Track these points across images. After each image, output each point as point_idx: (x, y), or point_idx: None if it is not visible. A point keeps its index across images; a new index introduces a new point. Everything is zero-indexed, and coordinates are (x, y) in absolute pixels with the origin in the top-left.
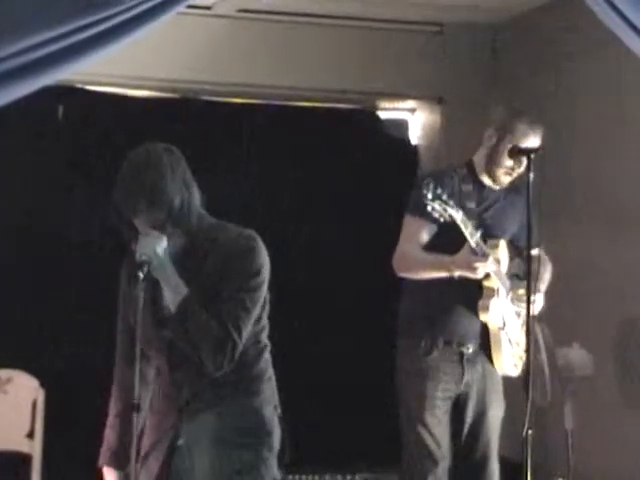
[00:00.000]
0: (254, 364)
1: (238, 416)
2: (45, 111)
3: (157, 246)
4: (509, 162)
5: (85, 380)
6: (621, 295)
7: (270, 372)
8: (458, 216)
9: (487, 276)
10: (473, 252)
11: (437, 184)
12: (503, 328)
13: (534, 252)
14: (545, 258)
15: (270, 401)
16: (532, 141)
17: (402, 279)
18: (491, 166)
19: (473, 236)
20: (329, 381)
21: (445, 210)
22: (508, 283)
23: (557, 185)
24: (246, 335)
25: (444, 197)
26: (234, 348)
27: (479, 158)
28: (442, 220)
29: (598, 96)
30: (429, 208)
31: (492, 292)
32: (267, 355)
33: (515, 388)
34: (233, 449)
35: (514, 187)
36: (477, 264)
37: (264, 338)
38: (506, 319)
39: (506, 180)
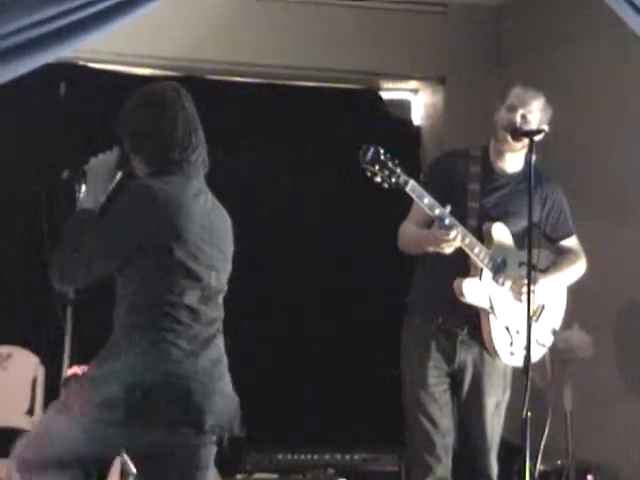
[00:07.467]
0: None
1: None
2: (47, 88)
3: (101, 158)
4: (505, 134)
5: (85, 357)
6: (621, 277)
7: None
8: (407, 184)
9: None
10: (442, 227)
11: (382, 150)
12: (492, 311)
13: (565, 242)
14: (577, 250)
15: None
16: (526, 101)
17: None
18: (496, 144)
19: (434, 208)
20: (330, 361)
21: (389, 177)
22: (492, 264)
23: (557, 167)
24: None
25: (389, 163)
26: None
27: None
28: (386, 186)
29: (601, 76)
30: (368, 173)
31: (475, 272)
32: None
33: (515, 370)
34: None
35: (538, 175)
36: (441, 237)
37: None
38: (496, 303)
39: (512, 159)
